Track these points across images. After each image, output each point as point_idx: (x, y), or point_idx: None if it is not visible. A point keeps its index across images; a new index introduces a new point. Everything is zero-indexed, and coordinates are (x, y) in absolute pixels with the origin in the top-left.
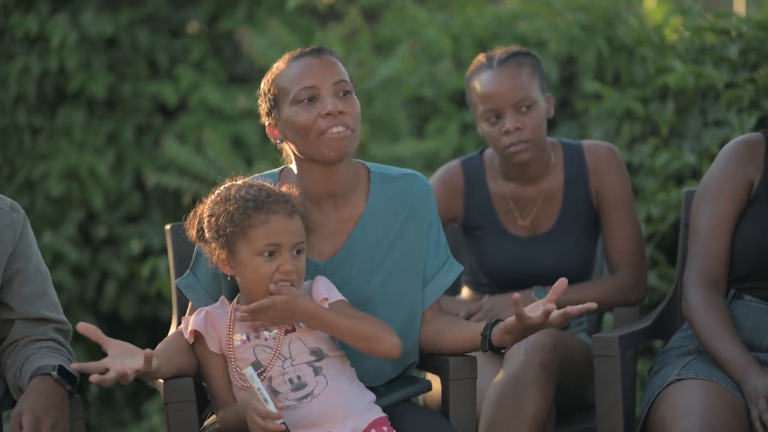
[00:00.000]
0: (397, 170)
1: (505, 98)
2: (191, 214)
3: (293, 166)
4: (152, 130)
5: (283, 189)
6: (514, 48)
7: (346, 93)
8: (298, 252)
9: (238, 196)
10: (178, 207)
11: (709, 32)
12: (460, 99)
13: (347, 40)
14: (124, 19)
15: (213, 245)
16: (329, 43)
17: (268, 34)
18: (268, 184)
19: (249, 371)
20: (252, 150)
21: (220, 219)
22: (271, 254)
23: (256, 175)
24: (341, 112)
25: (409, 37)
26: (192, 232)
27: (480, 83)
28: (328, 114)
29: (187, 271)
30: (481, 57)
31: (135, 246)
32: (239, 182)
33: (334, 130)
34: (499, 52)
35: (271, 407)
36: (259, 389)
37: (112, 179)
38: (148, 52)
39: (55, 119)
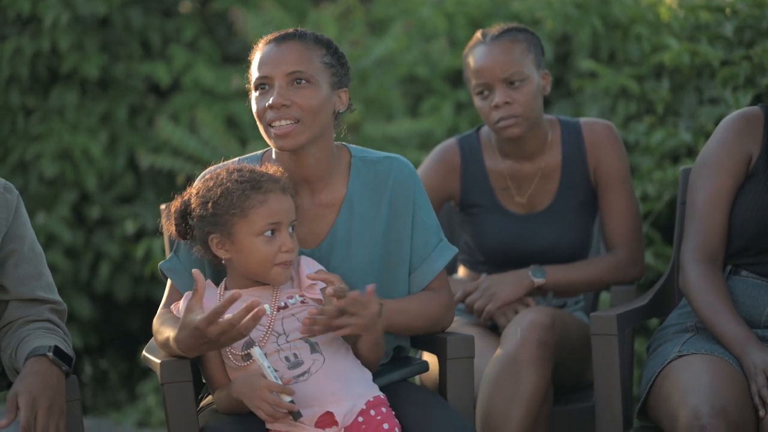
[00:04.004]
0: (378, 153)
1: (495, 72)
2: (167, 211)
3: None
4: (145, 110)
5: (270, 170)
6: (512, 25)
7: (300, 82)
8: (293, 229)
9: (231, 179)
10: (171, 187)
11: (704, 10)
12: (455, 78)
13: (341, 19)
14: None
15: (205, 231)
16: (323, 22)
17: (261, 13)
18: (255, 166)
19: (257, 351)
20: (246, 130)
21: (219, 201)
22: (271, 233)
23: (239, 158)
24: (284, 105)
25: (402, 16)
26: (172, 230)
27: (473, 58)
28: (272, 106)
29: (170, 254)
30: (478, 33)
31: (129, 227)
32: (224, 168)
33: (276, 124)
34: (496, 28)
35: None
36: (268, 367)
37: (105, 160)
38: (141, 32)
39: (48, 100)
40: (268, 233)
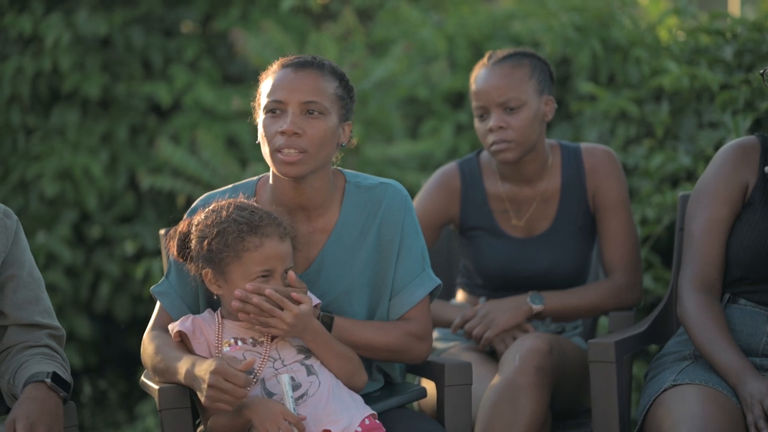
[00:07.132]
0: (373, 179)
1: (491, 96)
2: (172, 231)
3: (270, 174)
4: (146, 130)
5: (275, 210)
6: (520, 49)
7: (313, 113)
8: (286, 272)
9: (230, 218)
10: (172, 208)
11: (704, 33)
12: (455, 99)
13: (341, 41)
14: (118, 19)
15: (199, 264)
16: (323, 44)
17: (262, 34)
18: (257, 205)
19: (285, 378)
20: (246, 150)
21: (213, 241)
22: (263, 278)
23: (232, 185)
24: (295, 134)
25: (403, 37)
26: (173, 250)
27: (475, 80)
28: (283, 132)
29: (162, 278)
30: (486, 55)
31: (129, 247)
32: (227, 203)
33: (285, 151)
34: (503, 51)
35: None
36: (292, 397)
37: (106, 179)
38: (142, 51)
39: (49, 119)
40: (259, 278)
